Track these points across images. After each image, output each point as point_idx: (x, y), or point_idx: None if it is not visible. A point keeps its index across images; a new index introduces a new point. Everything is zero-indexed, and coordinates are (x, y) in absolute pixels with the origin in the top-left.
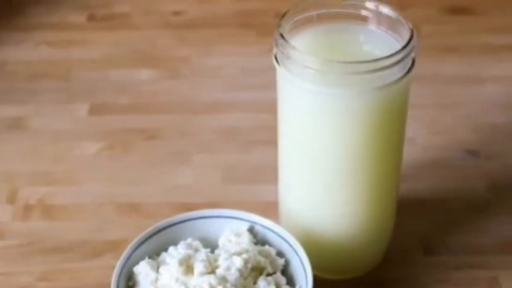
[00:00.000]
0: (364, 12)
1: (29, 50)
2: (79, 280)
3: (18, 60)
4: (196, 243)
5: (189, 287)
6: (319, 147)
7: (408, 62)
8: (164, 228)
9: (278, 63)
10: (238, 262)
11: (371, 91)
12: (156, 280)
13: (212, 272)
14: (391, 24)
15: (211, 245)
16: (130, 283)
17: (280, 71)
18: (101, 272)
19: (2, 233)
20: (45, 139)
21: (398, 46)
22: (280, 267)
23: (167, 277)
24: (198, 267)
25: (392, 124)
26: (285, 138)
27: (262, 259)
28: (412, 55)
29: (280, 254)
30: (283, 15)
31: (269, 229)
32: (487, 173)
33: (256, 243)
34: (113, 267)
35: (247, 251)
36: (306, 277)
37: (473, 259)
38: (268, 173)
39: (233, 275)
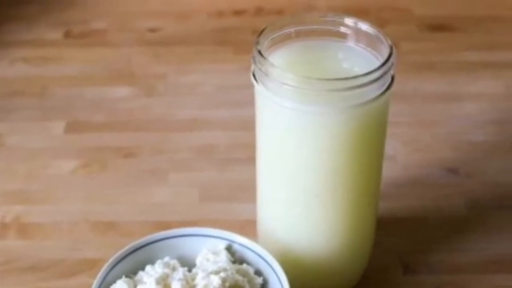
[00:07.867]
0: (343, 29)
1: (4, 67)
2: None
3: None
4: (174, 262)
5: None
6: (297, 165)
7: (387, 79)
8: (141, 247)
9: (256, 80)
10: (215, 281)
11: (350, 108)
12: None
13: None
14: (370, 41)
15: (189, 264)
16: None
17: (258, 88)
18: None
19: None
20: (20, 157)
21: (377, 63)
22: (258, 286)
23: None
24: (176, 286)
25: (371, 142)
26: (264, 155)
27: (240, 278)
28: (391, 72)
29: (258, 272)
30: (261, 32)
31: (247, 248)
32: (466, 191)
33: (234, 262)
34: (90, 286)
35: (224, 269)
36: None
37: (453, 278)
38: (246, 191)
39: None
